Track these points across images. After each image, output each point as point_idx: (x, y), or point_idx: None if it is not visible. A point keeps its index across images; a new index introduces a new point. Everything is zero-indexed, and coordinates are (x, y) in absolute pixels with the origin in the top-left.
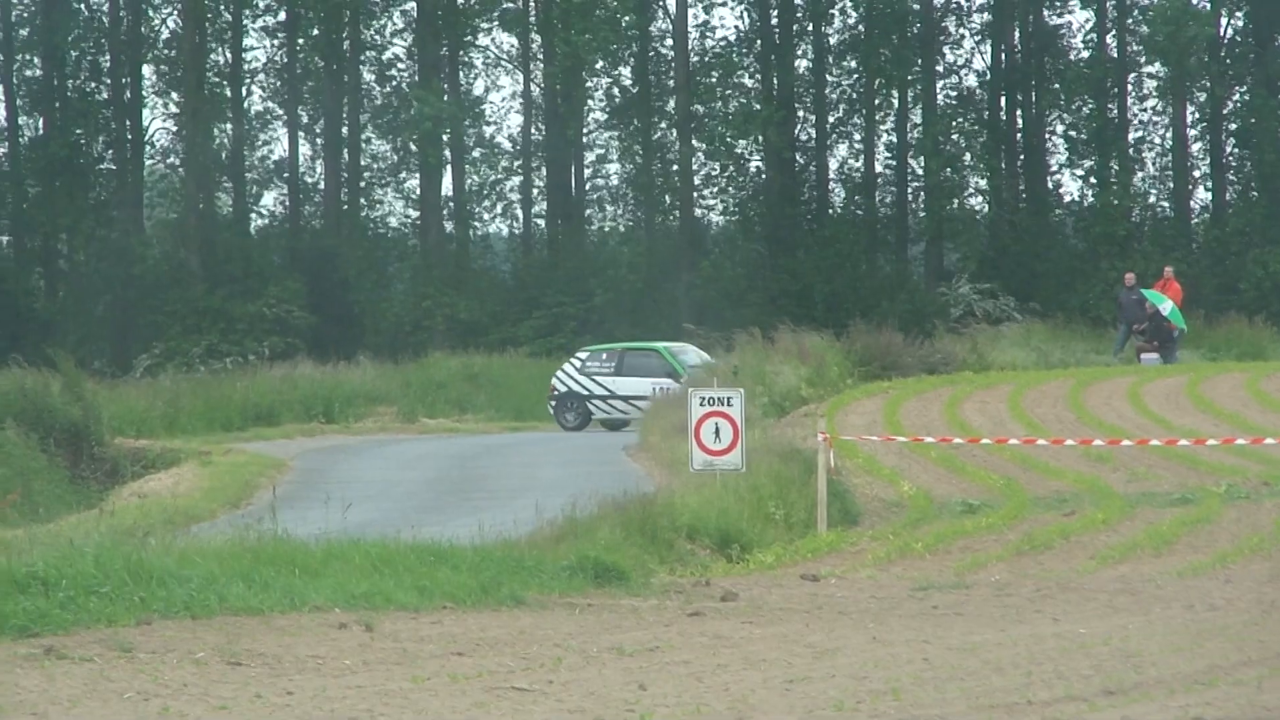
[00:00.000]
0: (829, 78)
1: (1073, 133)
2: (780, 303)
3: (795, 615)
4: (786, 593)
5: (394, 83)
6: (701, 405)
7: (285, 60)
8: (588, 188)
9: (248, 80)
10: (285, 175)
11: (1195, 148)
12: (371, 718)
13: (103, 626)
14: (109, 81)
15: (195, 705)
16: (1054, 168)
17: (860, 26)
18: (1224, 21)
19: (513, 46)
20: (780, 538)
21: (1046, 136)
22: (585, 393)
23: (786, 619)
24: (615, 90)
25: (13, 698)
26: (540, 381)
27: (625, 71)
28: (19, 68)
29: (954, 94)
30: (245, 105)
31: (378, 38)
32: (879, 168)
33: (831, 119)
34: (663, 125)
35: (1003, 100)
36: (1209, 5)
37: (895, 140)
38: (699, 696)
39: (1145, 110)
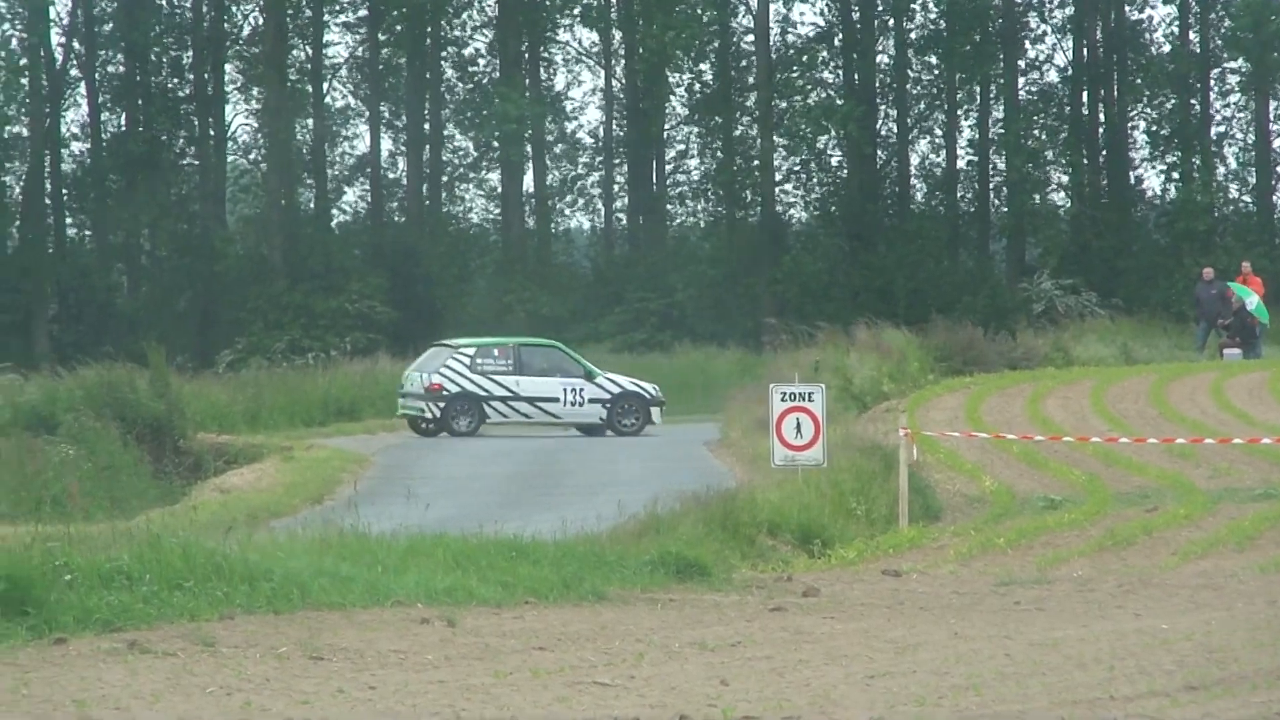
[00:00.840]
0: (910, 73)
1: (1155, 128)
2: (862, 298)
3: (877, 610)
4: (868, 588)
5: (475, 79)
6: (783, 401)
7: (367, 56)
8: (669, 183)
9: (329, 76)
10: (367, 171)
11: (1278, 143)
12: (454, 713)
13: (185, 621)
14: (191, 77)
15: (277, 700)
16: (1136, 163)
17: (941, 21)
18: None
19: (594, 42)
20: (862, 533)
21: (1128, 132)
22: (483, 393)
23: (868, 614)
24: (697, 85)
25: (96, 692)
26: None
27: (706, 67)
28: (102, 64)
29: (1035, 89)
30: (327, 101)
31: (459, 33)
32: (960, 163)
33: (913, 114)
34: (744, 120)
35: (1084, 95)
36: None
37: (976, 135)
38: (780, 691)
39: (1227, 105)
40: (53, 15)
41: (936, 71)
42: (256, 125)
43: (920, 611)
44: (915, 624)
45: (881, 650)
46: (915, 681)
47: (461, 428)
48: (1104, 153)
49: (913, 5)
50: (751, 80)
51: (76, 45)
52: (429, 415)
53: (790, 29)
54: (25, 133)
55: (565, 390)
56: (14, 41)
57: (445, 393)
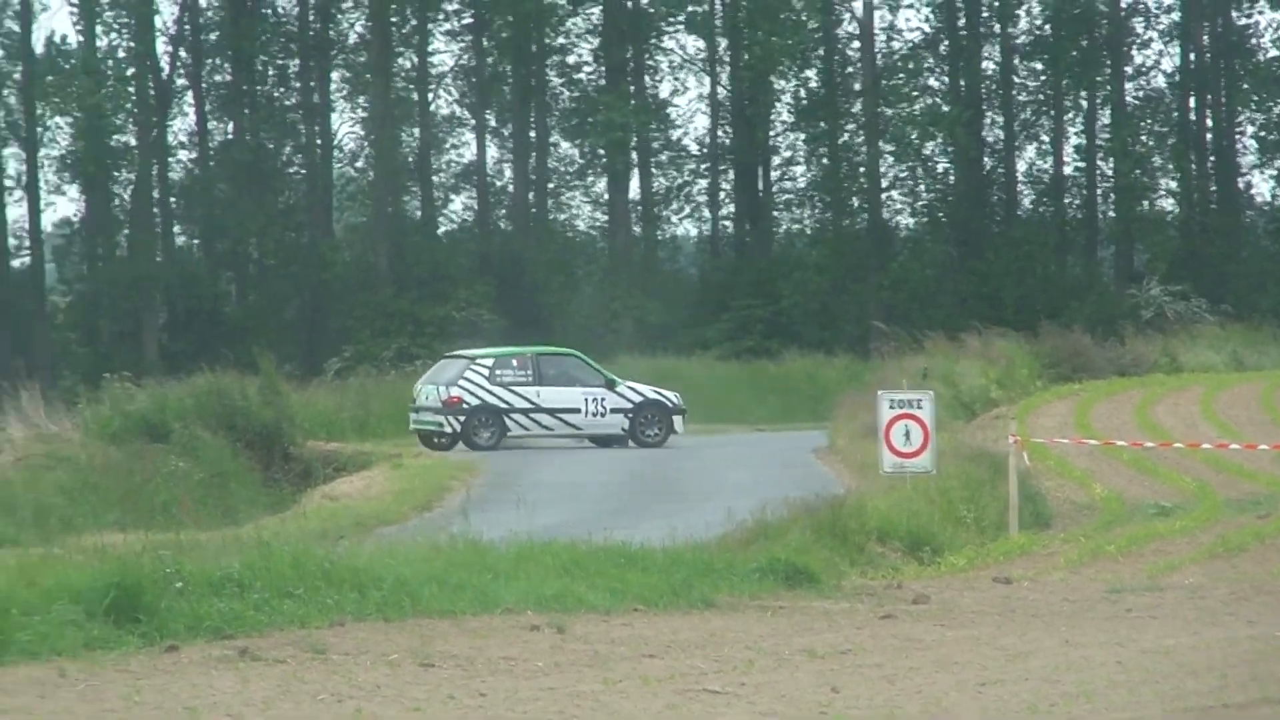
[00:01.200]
0: (1016, 79)
1: (1263, 133)
2: (970, 304)
3: (987, 618)
4: (978, 595)
5: (580, 86)
6: (892, 408)
7: (472, 63)
8: (775, 190)
9: (434, 84)
10: (473, 178)
11: None
12: (564, 719)
13: (296, 628)
14: (297, 85)
15: (388, 707)
16: (1244, 168)
17: (1047, 27)
18: None
19: (699, 48)
20: (971, 540)
21: (1236, 137)
22: (504, 405)
23: (978, 621)
24: (802, 92)
25: (208, 699)
26: (730, 385)
27: (812, 74)
28: (208, 73)
29: (1142, 94)
30: (432, 109)
31: (564, 40)
32: (1067, 169)
33: (1019, 120)
34: (850, 127)
35: (1192, 100)
36: None
37: (1084, 141)
38: (891, 699)
39: None
40: (159, 25)
41: (1043, 77)
42: (362, 133)
43: (1031, 619)
44: (1026, 631)
45: (992, 657)
46: (1026, 689)
47: (483, 442)
48: (1212, 158)
49: (1018, 11)
50: (857, 87)
51: (183, 54)
52: (448, 430)
53: (895, 35)
54: (133, 142)
55: (586, 400)
56: (121, 51)
57: (465, 405)
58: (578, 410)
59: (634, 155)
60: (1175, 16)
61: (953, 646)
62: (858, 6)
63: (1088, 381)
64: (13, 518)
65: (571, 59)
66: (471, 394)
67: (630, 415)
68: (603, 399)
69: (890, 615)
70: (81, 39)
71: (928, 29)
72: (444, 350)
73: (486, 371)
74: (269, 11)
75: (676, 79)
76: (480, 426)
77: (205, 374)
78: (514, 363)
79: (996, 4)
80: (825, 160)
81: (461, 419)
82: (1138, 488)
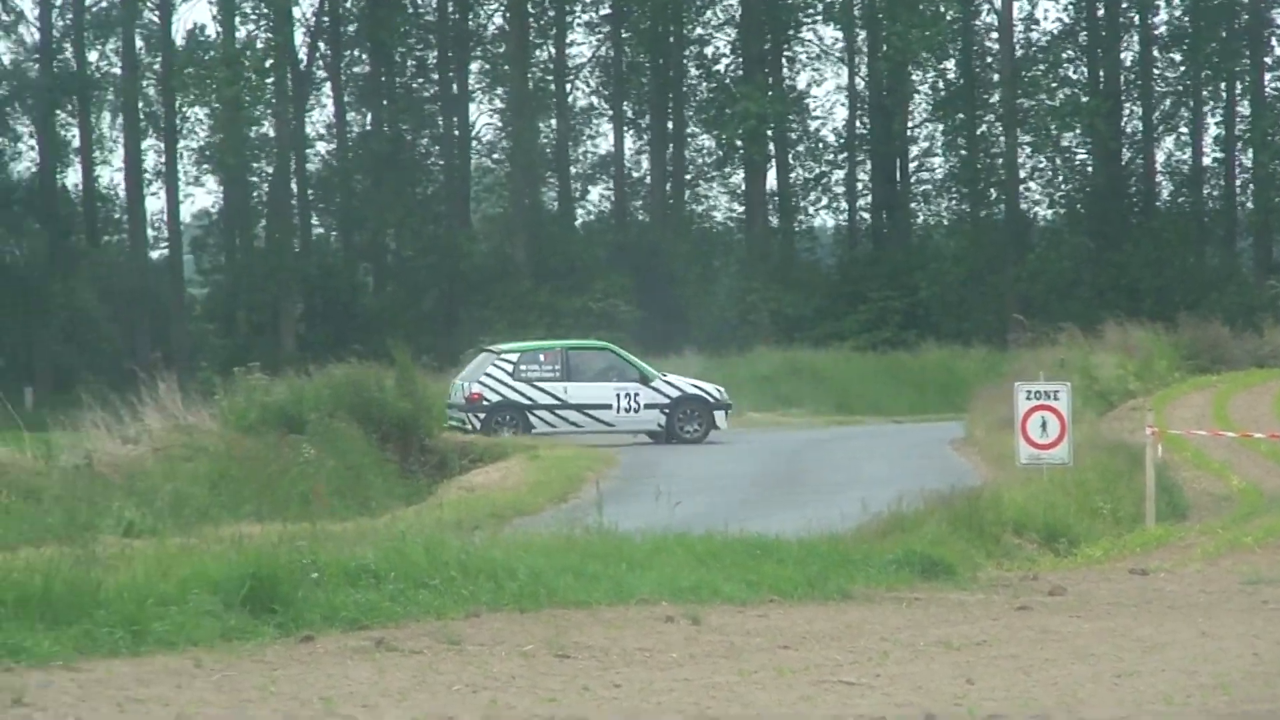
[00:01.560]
0: (1155, 70)
1: None
2: (1107, 296)
3: (1123, 609)
4: (1115, 587)
5: (718, 77)
6: (1028, 399)
7: (610, 55)
8: (913, 180)
9: (572, 75)
10: (610, 170)
11: None
12: (698, 711)
13: (432, 619)
14: (436, 77)
15: (523, 698)
16: None
17: (1186, 18)
18: None
19: (836, 39)
20: (1108, 531)
21: None
22: (526, 402)
23: (1115, 613)
24: (941, 83)
25: (343, 689)
26: (867, 376)
27: (950, 64)
28: (347, 64)
29: None
30: (570, 100)
31: (701, 32)
32: (1206, 160)
33: (1158, 111)
34: (988, 118)
35: None
36: None
37: (1223, 132)
38: (1027, 690)
39: None
40: (297, 16)
41: (1182, 68)
42: (500, 124)
43: (1168, 610)
44: (1162, 623)
45: (1129, 649)
46: (1163, 680)
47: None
48: None
49: (1157, 2)
50: (996, 78)
51: (322, 45)
52: (469, 427)
53: (1034, 26)
54: (272, 133)
55: (619, 395)
56: (259, 42)
57: (485, 402)
58: (609, 406)
59: (771, 146)
60: None
61: (1089, 638)
62: None
63: (1225, 373)
64: (150, 508)
65: (709, 50)
66: (493, 390)
67: (667, 411)
68: (636, 394)
69: (1026, 607)
70: (220, 31)
71: (1066, 19)
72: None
73: (510, 367)
74: (408, 3)
75: (815, 70)
76: (501, 424)
77: (342, 366)
78: (541, 357)
79: None
80: (963, 151)
81: (482, 416)
82: (1275, 479)
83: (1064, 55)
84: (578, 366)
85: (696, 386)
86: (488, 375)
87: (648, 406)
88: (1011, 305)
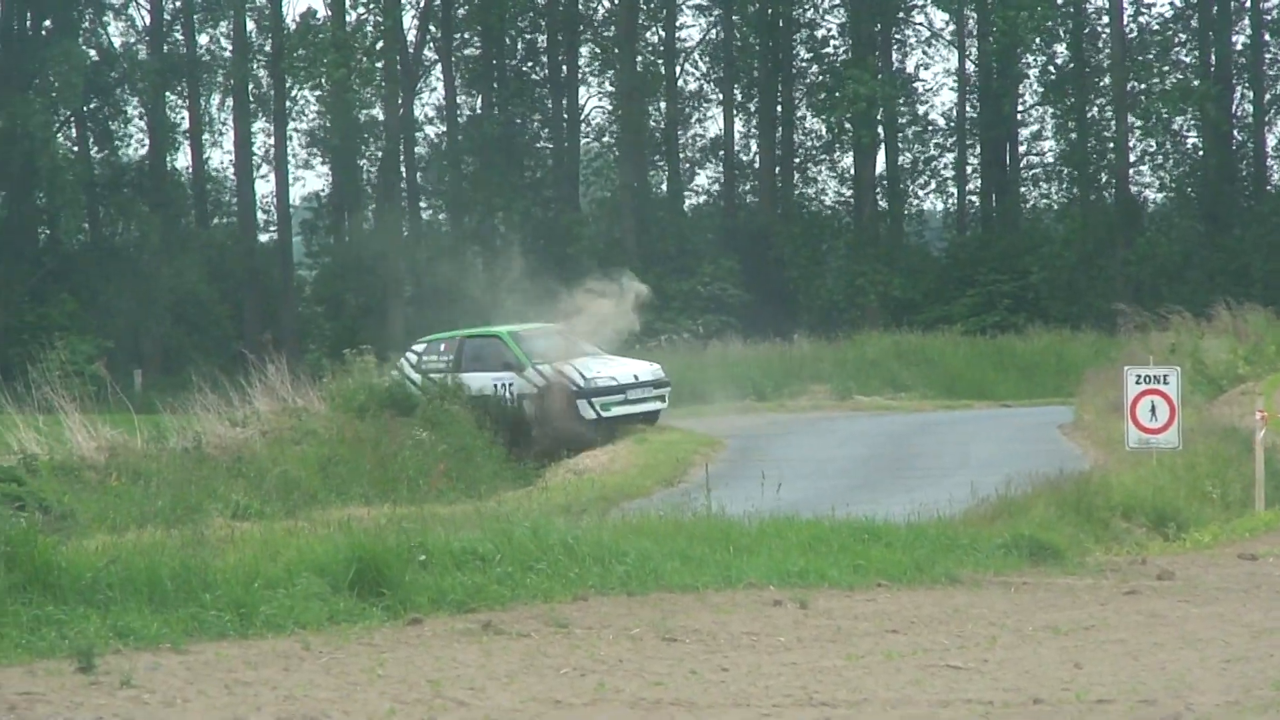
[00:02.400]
0: (1267, 53)
1: None
2: (1217, 280)
3: (1232, 594)
4: (1223, 571)
5: (827, 60)
6: (1138, 383)
7: (720, 38)
8: (1022, 164)
9: (682, 58)
10: (719, 153)
11: None
12: (806, 695)
13: (539, 602)
14: (545, 60)
15: (630, 681)
16: None
17: None
18: None
19: (946, 21)
20: (1217, 516)
21: None
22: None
23: (1223, 598)
24: (1050, 67)
25: (451, 672)
26: (976, 360)
27: (1061, 48)
28: (458, 47)
29: None
30: (680, 83)
31: (811, 15)
32: None
33: (1270, 94)
34: (1099, 101)
35: None
36: None
37: None
38: (1135, 675)
39: None
40: None
41: None
42: (609, 107)
43: (1276, 595)
44: (1272, 608)
45: (1237, 634)
46: (1272, 665)
47: None
48: None
49: None
50: (1106, 61)
51: (432, 29)
52: None
53: (1144, 10)
54: (381, 116)
55: (496, 385)
56: (370, 26)
57: None
58: (485, 395)
59: (880, 129)
60: None
61: (1197, 623)
62: None
63: None
64: (258, 491)
65: (819, 33)
66: (402, 380)
67: (536, 401)
68: (511, 383)
69: (1134, 591)
70: (330, 13)
71: (1178, 3)
72: (688, 325)
73: (415, 358)
74: None
75: (925, 53)
76: None
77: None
78: (442, 347)
79: None
80: (1073, 135)
81: None
82: None
83: (1175, 39)
84: (470, 355)
85: (561, 374)
86: (396, 368)
87: (520, 396)
88: (1121, 289)
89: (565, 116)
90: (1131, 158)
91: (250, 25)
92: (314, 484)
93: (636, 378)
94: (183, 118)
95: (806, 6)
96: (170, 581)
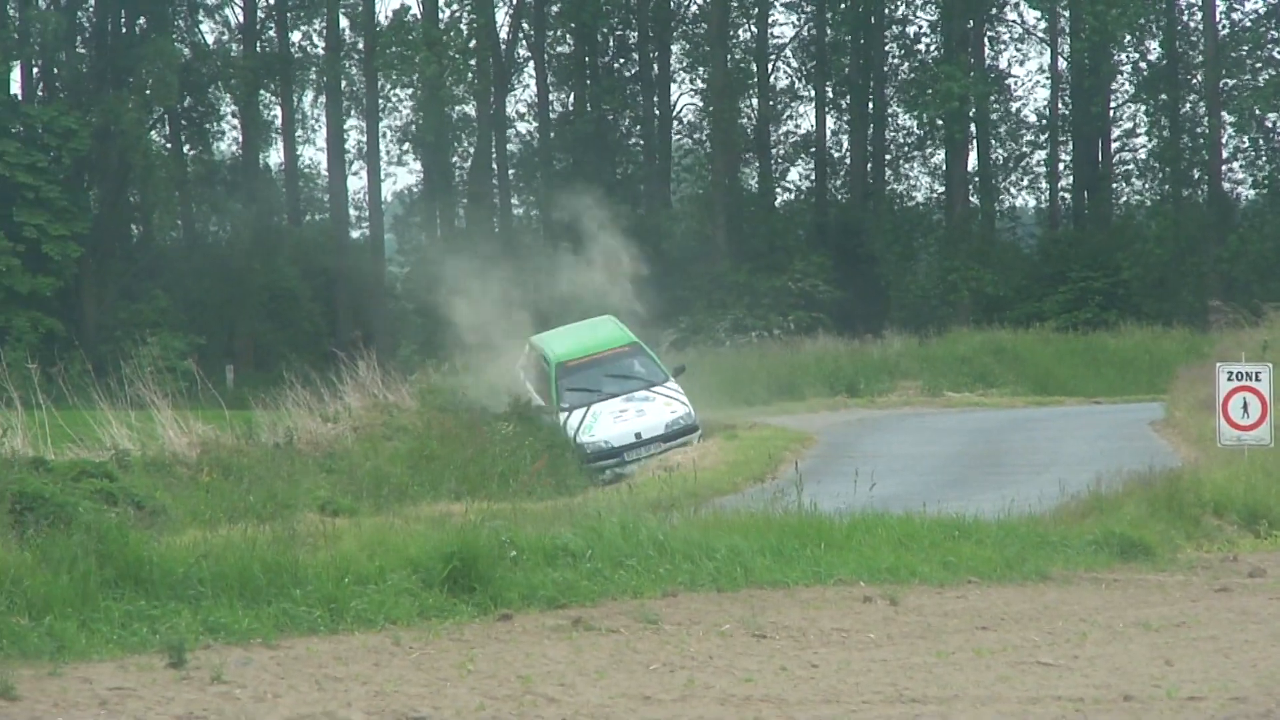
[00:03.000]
0: None
1: None
2: None
3: None
4: None
5: (919, 57)
6: (1230, 380)
7: (812, 34)
8: (1114, 161)
9: (774, 55)
10: (811, 150)
11: None
12: (896, 691)
13: (629, 598)
14: (637, 57)
15: (720, 677)
16: None
17: None
18: None
19: (1038, 19)
20: None
21: None
22: None
23: None
24: (1143, 64)
25: (541, 668)
26: (1067, 357)
27: (1153, 45)
28: (550, 44)
29: None
30: (771, 80)
31: (903, 11)
32: None
33: None
34: (1191, 98)
35: None
36: None
37: None
38: (1226, 673)
39: None
40: None
41: None
42: (701, 104)
43: None
44: None
45: None
46: None
47: None
48: None
49: None
50: (1199, 58)
51: (525, 26)
52: None
53: (1237, 6)
54: (473, 113)
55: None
56: (462, 23)
57: None
58: None
59: (973, 126)
60: None
61: None
62: None
63: None
64: (349, 487)
65: (911, 30)
66: None
67: None
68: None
69: (1226, 588)
70: (423, 10)
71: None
72: (779, 322)
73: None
74: None
75: (1019, 49)
76: None
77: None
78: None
79: None
80: (1166, 132)
81: None
82: None
83: (1268, 35)
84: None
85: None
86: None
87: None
88: (1214, 286)
89: (657, 113)
90: (1224, 154)
91: (344, 22)
92: (404, 480)
93: (639, 436)
94: (275, 115)
95: (899, 3)
96: (261, 577)
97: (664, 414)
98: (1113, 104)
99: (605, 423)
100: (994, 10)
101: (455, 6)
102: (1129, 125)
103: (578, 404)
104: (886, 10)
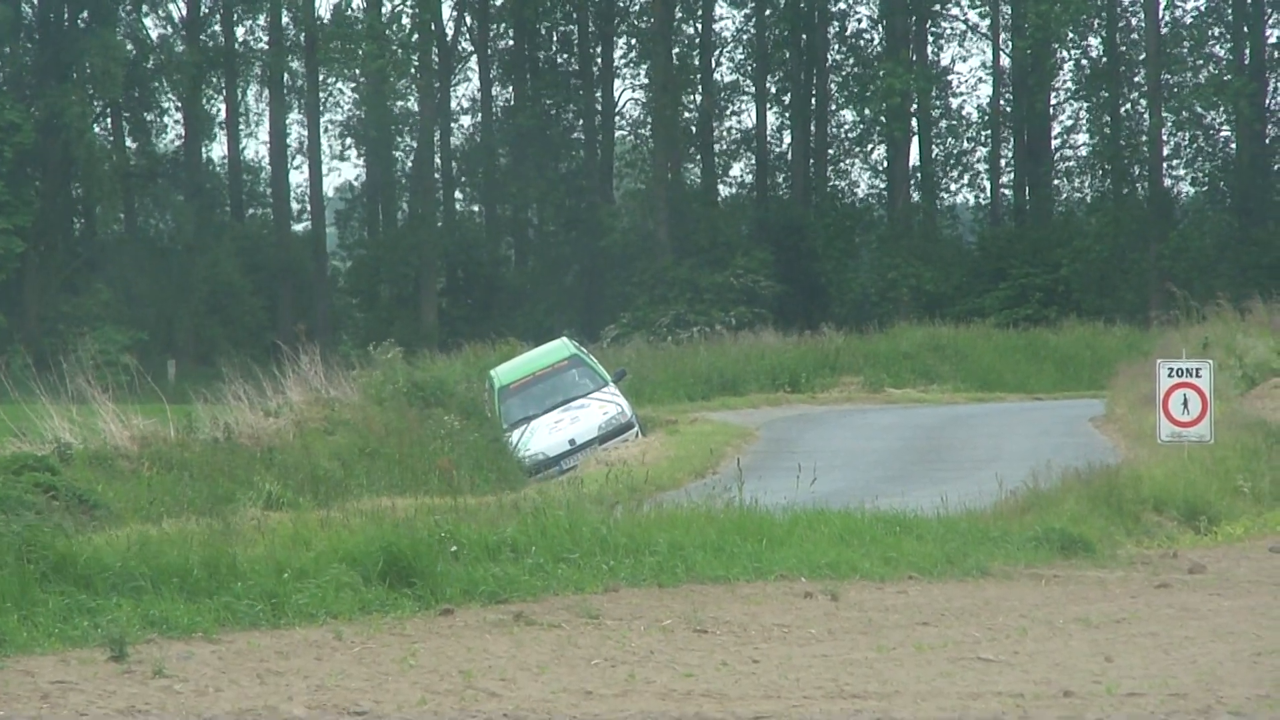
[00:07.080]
0: None
1: None
2: (1250, 274)
3: (1264, 587)
4: (1255, 565)
5: (861, 53)
6: (1170, 376)
7: (753, 31)
8: (1055, 158)
9: (716, 51)
10: (753, 145)
11: None
12: (837, 686)
13: (571, 593)
14: (579, 52)
15: (662, 672)
16: None
17: None
18: None
19: (980, 16)
20: (1248, 510)
21: None
22: None
23: (1255, 591)
24: (1084, 61)
25: (482, 662)
26: (1008, 353)
27: (1095, 42)
28: (493, 38)
29: None
30: (714, 76)
31: (844, 7)
32: None
33: None
34: (1132, 95)
35: None
36: None
37: None
38: (1166, 669)
39: None
40: None
41: None
42: (644, 100)
43: None
44: None
45: (1269, 627)
46: None
47: None
48: None
49: None
50: (1139, 55)
51: (468, 19)
52: None
53: (1178, 3)
54: (415, 107)
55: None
56: (405, 17)
57: None
58: None
59: (914, 122)
60: None
61: (1228, 616)
62: None
63: None
64: (290, 481)
65: (852, 26)
66: None
67: None
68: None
69: (1165, 584)
70: (366, 5)
71: None
72: (721, 317)
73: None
74: None
75: (959, 46)
76: None
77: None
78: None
79: None
80: (1106, 129)
81: None
82: None
83: (1208, 32)
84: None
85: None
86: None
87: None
88: (1154, 282)
89: (599, 108)
90: (1164, 151)
91: (286, 17)
92: (346, 474)
93: (573, 443)
94: (218, 109)
95: (840, 0)
96: (201, 571)
97: (597, 417)
98: (1054, 101)
99: (541, 435)
100: (936, 6)
101: (397, 1)
102: (1070, 122)
103: (519, 422)
104: (828, 6)
